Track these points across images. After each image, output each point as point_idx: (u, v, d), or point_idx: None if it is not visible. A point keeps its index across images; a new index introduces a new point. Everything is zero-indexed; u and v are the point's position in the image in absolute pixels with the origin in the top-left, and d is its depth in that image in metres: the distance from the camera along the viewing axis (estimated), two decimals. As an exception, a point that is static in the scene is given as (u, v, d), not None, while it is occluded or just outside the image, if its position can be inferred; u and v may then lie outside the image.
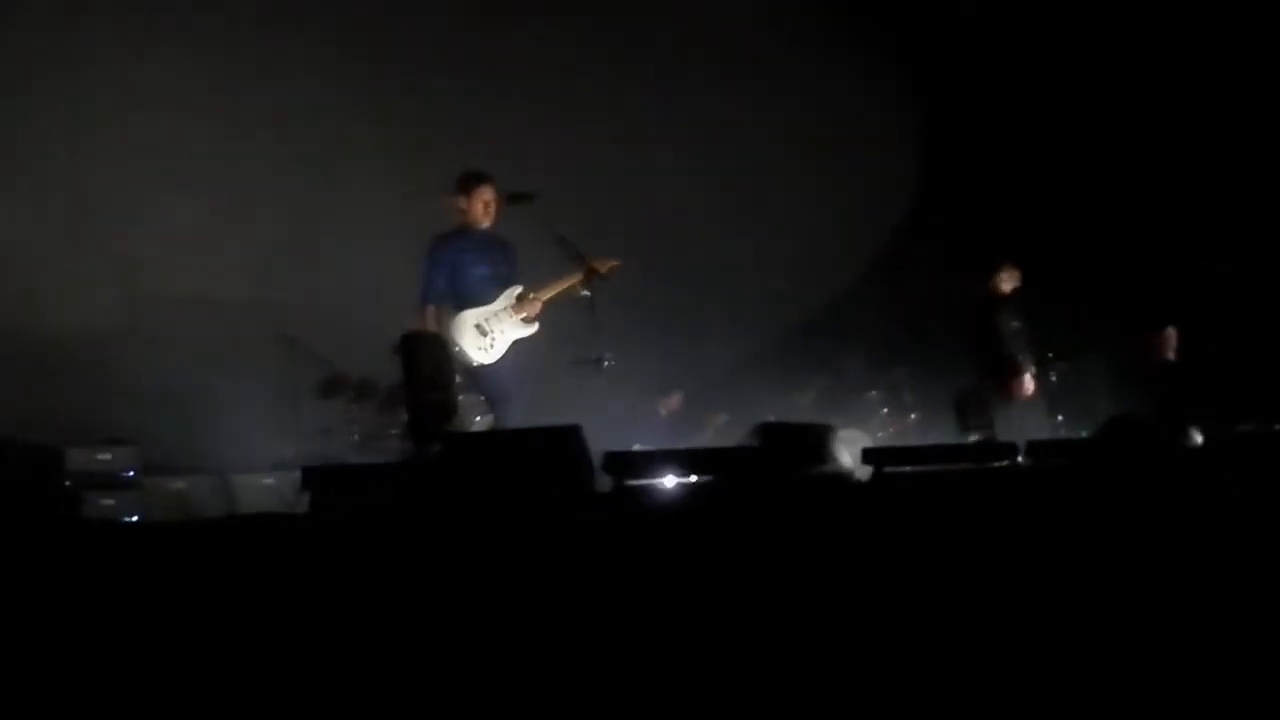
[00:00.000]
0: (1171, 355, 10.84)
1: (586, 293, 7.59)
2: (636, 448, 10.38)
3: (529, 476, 5.05)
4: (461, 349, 7.46)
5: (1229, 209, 11.78)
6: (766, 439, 5.85)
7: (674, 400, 11.62)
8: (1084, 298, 10.81)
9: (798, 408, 11.63)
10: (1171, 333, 10.80)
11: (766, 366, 12.38)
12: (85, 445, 8.54)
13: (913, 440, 11.06)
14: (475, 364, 7.53)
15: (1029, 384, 9.67)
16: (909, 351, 11.84)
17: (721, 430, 11.29)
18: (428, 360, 6.64)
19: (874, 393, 12.00)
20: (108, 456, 8.56)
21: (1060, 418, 10.02)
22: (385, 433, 9.53)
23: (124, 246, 10.39)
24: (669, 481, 5.45)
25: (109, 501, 8.29)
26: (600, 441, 5.38)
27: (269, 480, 8.99)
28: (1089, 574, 5.35)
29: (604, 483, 5.17)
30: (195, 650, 4.01)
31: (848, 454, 6.02)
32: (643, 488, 5.32)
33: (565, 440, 5.19)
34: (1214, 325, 10.90)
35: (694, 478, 5.49)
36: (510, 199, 7.67)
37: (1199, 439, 6.76)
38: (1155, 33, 12.00)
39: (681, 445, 10.89)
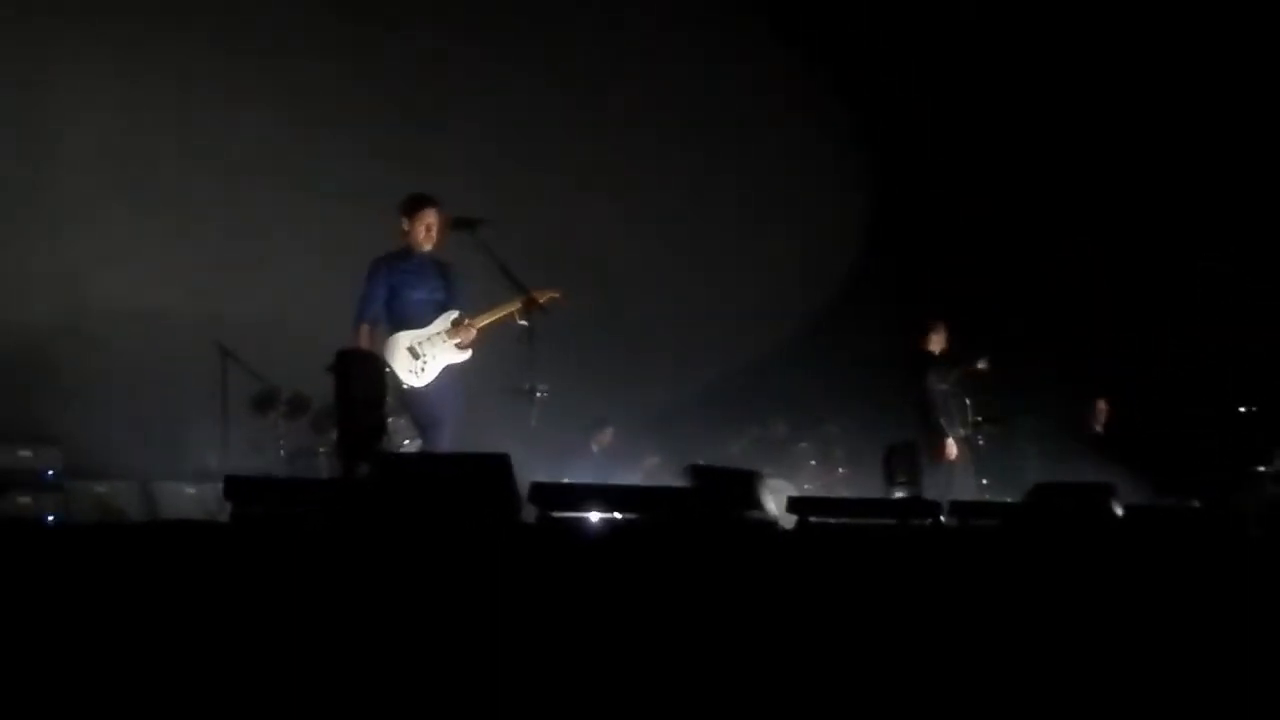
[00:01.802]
0: (1100, 427, 11.01)
1: (524, 322, 7.56)
2: (565, 481, 10.42)
3: (455, 502, 5.03)
4: (393, 371, 7.43)
5: (1169, 283, 11.98)
6: (695, 481, 5.86)
7: (606, 435, 11.61)
8: (1019, 363, 10.94)
9: (728, 454, 11.67)
10: (1102, 405, 10.96)
11: (700, 411, 12.43)
12: (7, 442, 8.42)
13: (840, 494, 11.11)
14: (406, 387, 7.50)
15: (952, 449, 9.77)
16: (843, 406, 11.92)
17: (653, 472, 11.30)
18: (362, 379, 6.60)
19: (803, 444, 12.07)
20: (29, 455, 8.45)
21: (985, 481, 10.13)
22: (314, 450, 9.47)
23: (64, 250, 10.32)
24: (595, 516, 5.45)
25: (26, 500, 8.18)
26: (529, 472, 5.38)
27: (191, 490, 8.91)
28: (1002, 633, 5.41)
29: (530, 513, 5.16)
30: (108, 653, 3.97)
31: (774, 502, 6.05)
32: (568, 521, 5.32)
33: (493, 468, 5.18)
34: (1147, 397, 11.08)
35: (620, 514, 5.50)
36: (456, 223, 7.65)
37: (1119, 511, 6.85)
38: (1102, 93, 12.21)
39: (611, 482, 10.94)
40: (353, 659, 4.33)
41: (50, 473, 8.50)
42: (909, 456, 8.25)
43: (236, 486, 4.92)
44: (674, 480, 9.61)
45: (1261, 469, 10.36)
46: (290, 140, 10.99)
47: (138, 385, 9.73)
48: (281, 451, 9.52)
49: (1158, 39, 12.04)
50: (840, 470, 11.81)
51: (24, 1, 10.30)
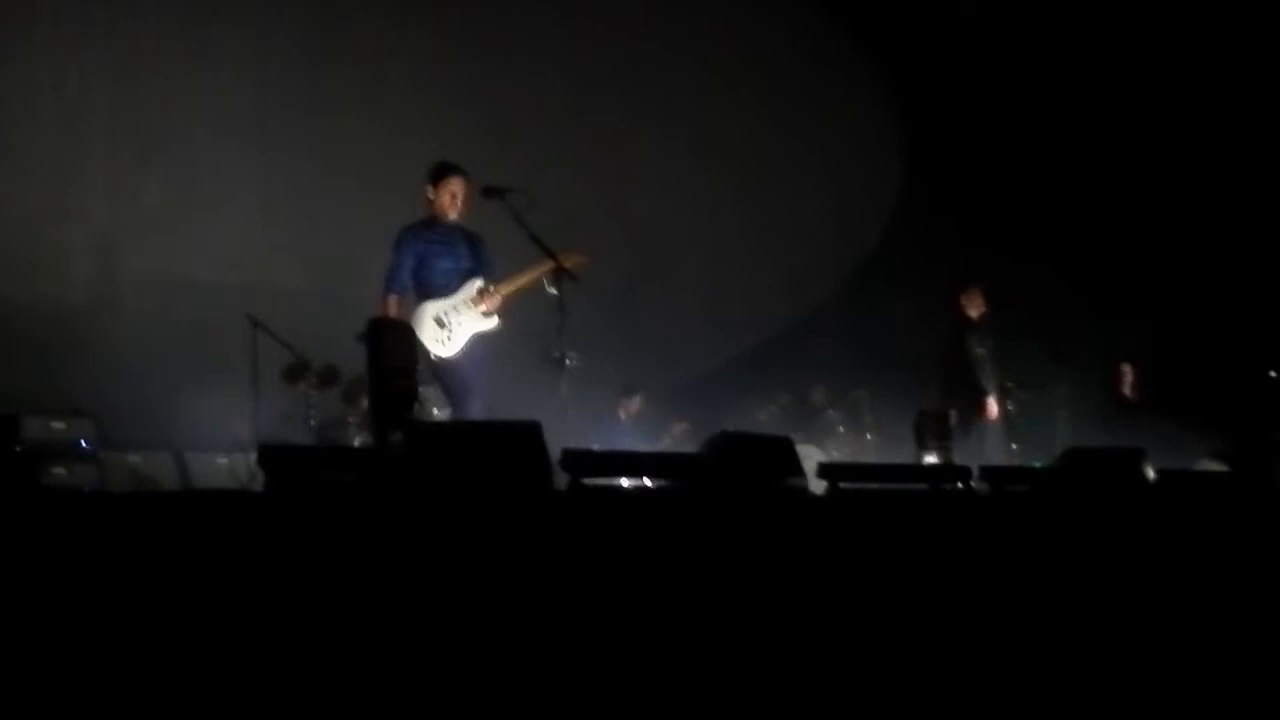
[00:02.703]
0: (1129, 391, 10.95)
1: (554, 290, 7.53)
2: (595, 449, 10.43)
3: (487, 470, 5.05)
4: (420, 340, 7.43)
5: (1198, 247, 11.91)
6: (726, 448, 5.86)
7: (635, 402, 11.59)
8: (1051, 328, 10.90)
9: (756, 421, 11.65)
10: (1128, 369, 10.90)
11: (728, 379, 12.42)
12: (41, 414, 8.47)
13: (869, 460, 11.10)
14: (435, 357, 7.50)
15: (993, 408, 9.75)
16: (873, 372, 11.89)
17: (680, 438, 11.29)
18: (393, 347, 6.61)
19: (832, 412, 12.04)
20: (63, 426, 8.49)
21: (1016, 446, 10.10)
22: (344, 421, 9.49)
23: (98, 222, 10.40)
24: (627, 483, 5.47)
25: (61, 471, 8.22)
26: (560, 440, 5.39)
27: (223, 460, 8.95)
28: (1034, 598, 5.42)
29: (561, 480, 5.17)
30: (148, 624, 4.00)
31: (804, 468, 6.05)
32: (600, 488, 5.33)
33: (525, 436, 5.19)
34: (1177, 361, 11.02)
35: (651, 481, 5.52)
36: (485, 191, 7.63)
37: (1153, 475, 6.83)
38: (1134, 65, 12.12)
39: (640, 449, 10.95)
40: (387, 627, 4.36)
41: (84, 443, 8.52)
42: (940, 422, 8.23)
43: (271, 455, 4.94)
44: (702, 445, 9.67)
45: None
46: (321, 110, 11.01)
47: (170, 356, 9.78)
48: (312, 422, 9.54)
49: (1136, 71, 12.04)
50: (869, 436, 11.77)
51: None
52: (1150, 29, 12.13)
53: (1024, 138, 12.55)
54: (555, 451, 5.18)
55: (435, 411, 8.28)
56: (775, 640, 4.87)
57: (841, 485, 5.82)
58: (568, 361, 7.38)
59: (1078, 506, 6.24)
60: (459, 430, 6.23)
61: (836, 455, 11.37)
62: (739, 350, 12.92)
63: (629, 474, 5.46)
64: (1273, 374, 10.71)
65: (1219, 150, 11.97)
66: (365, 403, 8.61)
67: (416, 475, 4.96)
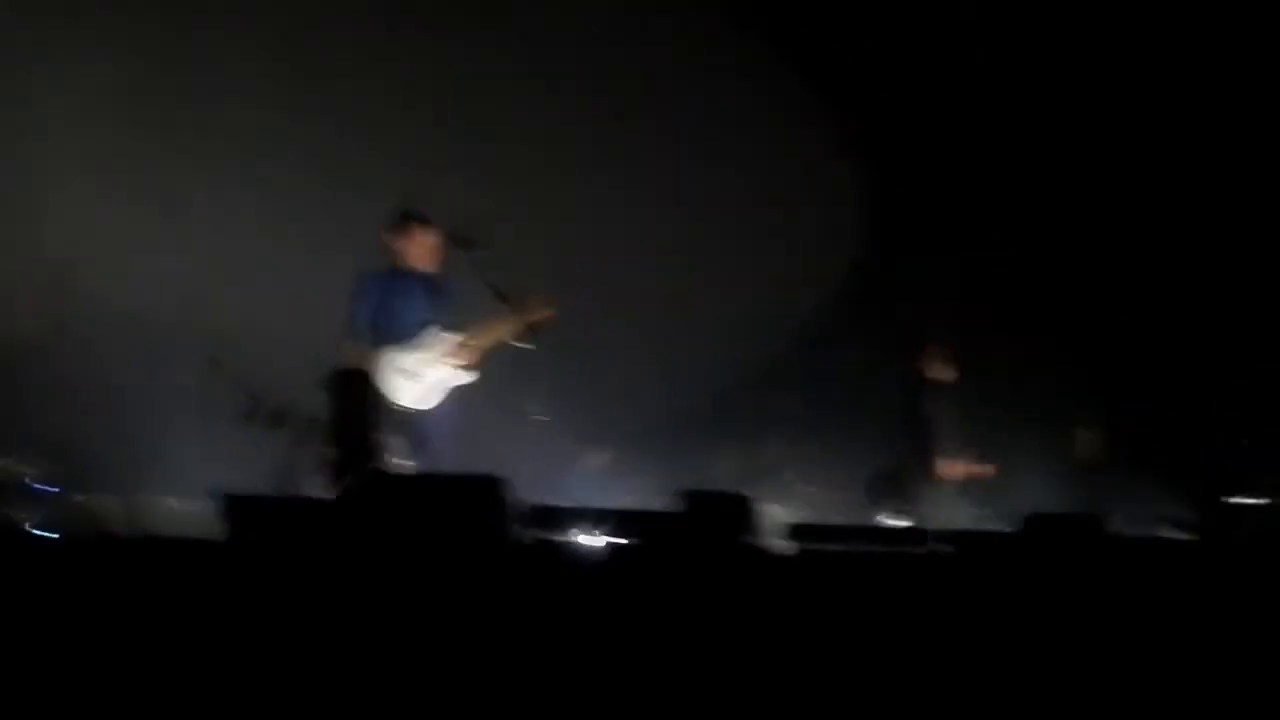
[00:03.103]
0: (1091, 455, 10.96)
1: (522, 345, 7.49)
2: (558, 500, 10.36)
3: (450, 523, 5.02)
4: (387, 392, 7.38)
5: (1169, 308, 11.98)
6: (688, 504, 5.85)
7: (596, 454, 11.50)
8: (1015, 387, 10.93)
9: (713, 475, 11.62)
10: (1090, 431, 10.92)
11: (683, 430, 12.37)
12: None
13: (827, 514, 11.08)
14: (400, 407, 7.45)
15: (947, 470, 9.75)
16: (827, 425, 11.88)
17: (604, 468, 11.21)
18: (357, 398, 6.57)
19: (788, 466, 12.00)
20: (9, 462, 8.39)
21: (978, 509, 10.10)
22: (302, 466, 9.39)
23: (55, 253, 10.25)
24: (590, 540, 5.43)
25: (8, 510, 8.11)
26: (522, 494, 5.35)
27: (175, 503, 8.84)
28: (996, 661, 5.42)
29: (525, 535, 5.15)
30: (103, 669, 3.96)
31: (767, 528, 6.04)
32: (563, 544, 5.31)
33: (488, 489, 5.17)
34: (1142, 425, 11.06)
35: (613, 538, 5.48)
36: (452, 239, 7.60)
37: (1111, 541, 6.84)
38: (1098, 119, 12.23)
39: (604, 500, 10.89)
40: (346, 677, 4.33)
41: (33, 482, 8.41)
42: (898, 482, 8.24)
43: (232, 504, 4.89)
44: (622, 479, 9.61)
45: (1250, 501, 10.38)
46: (289, 148, 10.93)
47: (121, 394, 9.67)
48: (271, 467, 9.43)
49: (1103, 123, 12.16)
50: (820, 491, 11.72)
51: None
52: (1111, 87, 12.24)
53: (991, 187, 12.60)
54: (518, 506, 5.17)
55: (399, 462, 8.22)
56: (737, 700, 4.85)
57: (805, 546, 5.81)
58: (537, 415, 7.36)
59: (1038, 571, 6.25)
60: (422, 482, 6.18)
61: (795, 512, 11.34)
62: (693, 400, 12.87)
63: (591, 530, 5.41)
64: (1245, 442, 10.75)
65: (1185, 214, 12.06)
66: (323, 449, 8.52)
67: (377, 528, 4.93)
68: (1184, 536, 8.56)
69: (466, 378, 7.58)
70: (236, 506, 4.86)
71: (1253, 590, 6.55)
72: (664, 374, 12.32)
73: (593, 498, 10.25)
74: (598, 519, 5.60)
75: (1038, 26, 12.07)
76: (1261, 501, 9.92)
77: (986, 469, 10.01)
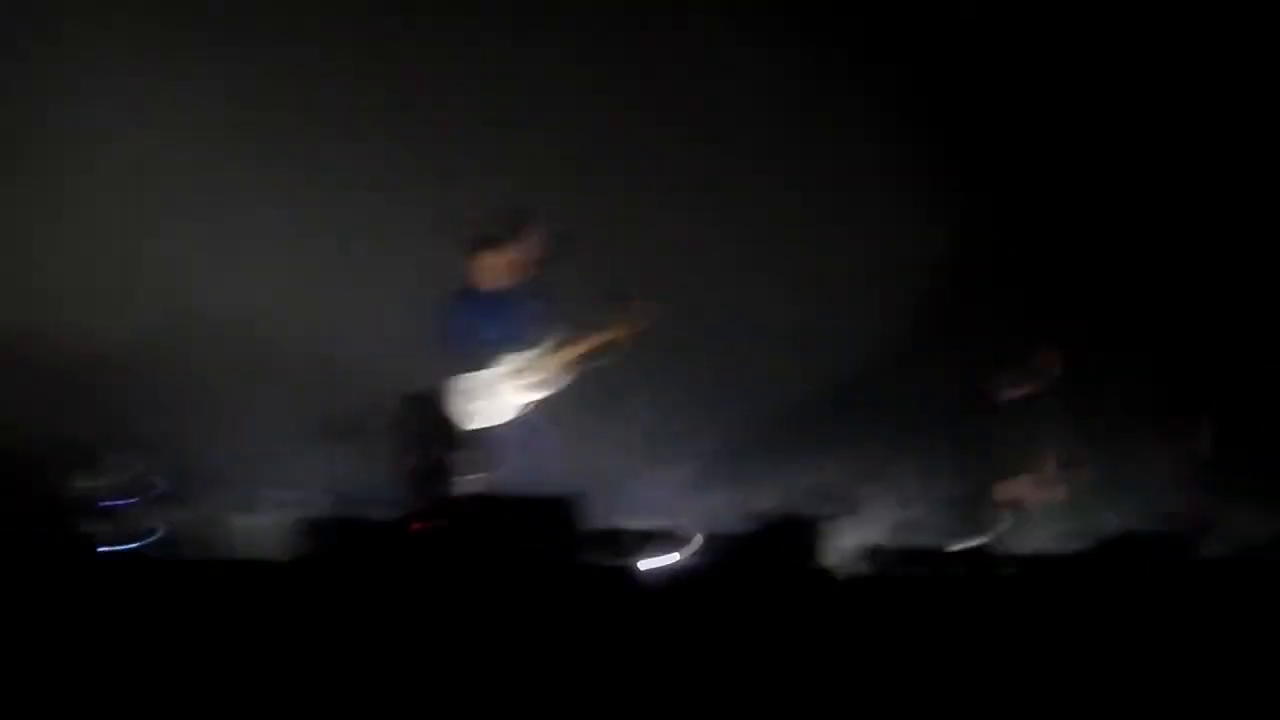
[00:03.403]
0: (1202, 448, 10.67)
1: (604, 361, 7.51)
2: (634, 518, 10.36)
3: (525, 546, 5.04)
4: (467, 411, 7.43)
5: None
6: (761, 527, 5.84)
7: (675, 470, 11.47)
8: (1104, 406, 10.74)
9: (799, 490, 11.55)
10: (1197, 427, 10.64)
11: (772, 443, 12.30)
12: (84, 464, 8.50)
13: (909, 537, 10.97)
14: (480, 426, 7.50)
15: (1026, 492, 9.62)
16: (917, 443, 11.76)
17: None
18: (429, 422, 6.62)
19: (869, 486, 11.88)
20: (107, 479, 8.53)
21: (1070, 526, 9.93)
22: (388, 484, 9.46)
23: (154, 265, 10.37)
24: (663, 562, 5.44)
25: (104, 525, 8.24)
26: (598, 512, 5.36)
27: (267, 520, 8.94)
28: (1079, 686, 5.35)
29: (595, 558, 5.16)
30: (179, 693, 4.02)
31: (842, 548, 6.02)
32: (634, 568, 5.32)
33: (563, 511, 5.18)
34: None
35: (689, 560, 5.49)
36: (530, 259, 7.64)
37: (1199, 562, 6.73)
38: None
39: (680, 518, 10.86)
40: (415, 702, 4.35)
41: (129, 497, 8.55)
42: (983, 503, 8.14)
43: (311, 527, 4.96)
44: (741, 521, 9.59)
45: None
46: (355, 161, 11.00)
47: (215, 406, 9.80)
48: (356, 484, 9.53)
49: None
50: (908, 512, 11.61)
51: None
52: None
53: (1089, 199, 12.43)
54: (592, 525, 5.18)
55: (474, 478, 8.26)
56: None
57: (879, 569, 5.77)
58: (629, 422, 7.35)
59: (1122, 593, 6.16)
60: (495, 505, 6.21)
61: (878, 530, 11.25)
62: (775, 414, 12.78)
63: (667, 553, 5.43)
64: None
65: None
66: (401, 468, 8.58)
67: (450, 550, 4.96)
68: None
69: (539, 394, 7.62)
70: (313, 529, 4.91)
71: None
72: (741, 390, 12.25)
73: (668, 516, 10.27)
74: (669, 542, 5.61)
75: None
76: None
77: (1059, 488, 9.87)
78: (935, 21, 12.24)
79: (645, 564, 5.39)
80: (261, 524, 8.79)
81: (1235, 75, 11.80)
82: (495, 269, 7.74)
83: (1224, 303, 11.75)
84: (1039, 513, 9.71)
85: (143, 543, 8.26)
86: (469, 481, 7.99)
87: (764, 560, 5.57)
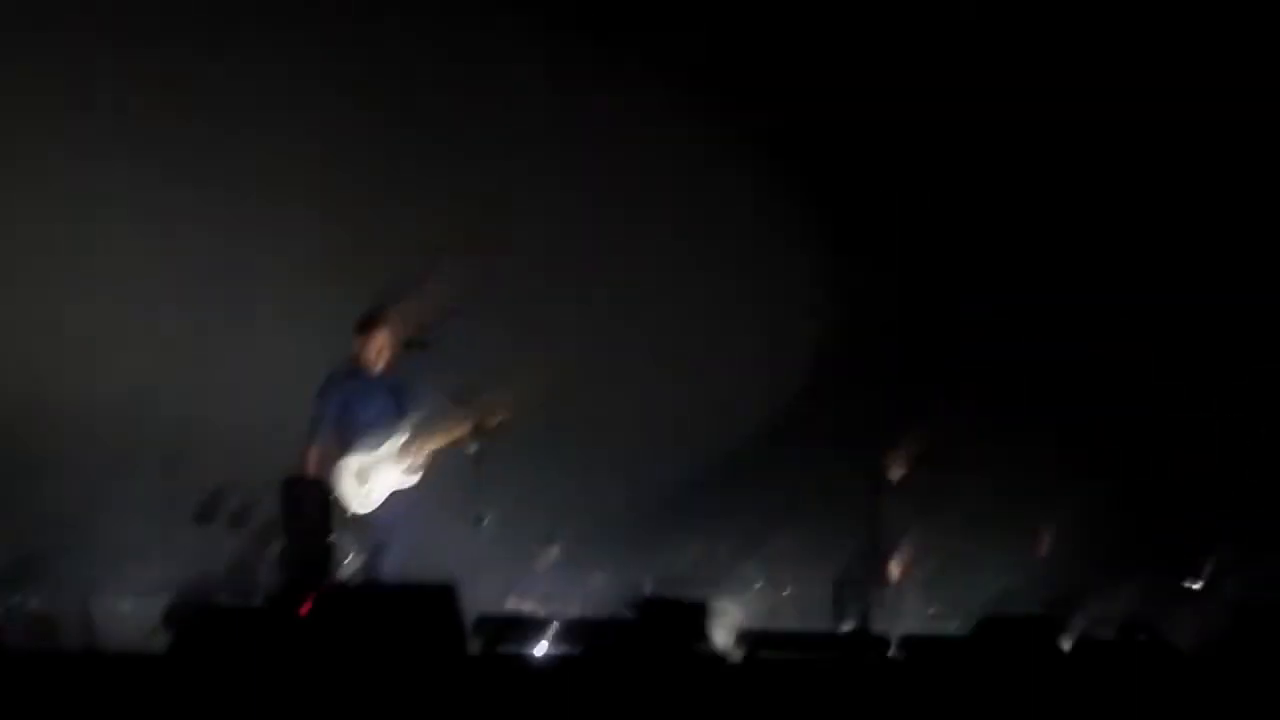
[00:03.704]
0: (1045, 549, 10.97)
1: (473, 448, 7.50)
2: (512, 600, 10.28)
3: (400, 634, 4.97)
4: (340, 495, 7.36)
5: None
6: (643, 612, 5.83)
7: (551, 547, 11.43)
8: (974, 488, 10.92)
9: (676, 570, 11.56)
10: (1057, 523, 10.91)
11: (650, 523, 12.30)
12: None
13: (787, 615, 11.03)
14: (353, 511, 7.42)
15: (896, 572, 9.73)
16: (793, 522, 11.83)
17: (598, 591, 11.13)
18: (307, 507, 6.54)
19: (751, 563, 11.94)
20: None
21: (933, 609, 10.07)
22: (258, 565, 9.31)
23: (12, 342, 10.15)
24: (541, 649, 5.40)
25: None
26: (475, 597, 5.31)
27: (130, 605, 8.73)
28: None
29: (475, 646, 5.10)
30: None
31: (720, 635, 6.02)
32: (515, 655, 5.26)
33: (439, 599, 5.12)
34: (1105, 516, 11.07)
35: (566, 647, 5.45)
36: (409, 344, 7.63)
37: (1069, 644, 6.85)
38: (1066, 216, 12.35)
39: (560, 596, 10.81)
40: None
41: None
42: (858, 588, 8.22)
43: (177, 614, 4.84)
44: (620, 594, 9.59)
45: (1194, 585, 10.43)
46: (253, 242, 10.88)
47: (77, 487, 9.56)
48: (226, 565, 9.35)
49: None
50: (786, 591, 11.67)
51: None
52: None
53: (961, 279, 12.68)
54: (471, 613, 5.12)
55: (348, 558, 8.17)
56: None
57: (760, 654, 5.78)
58: (483, 522, 7.34)
59: (993, 676, 6.24)
60: (370, 594, 6.13)
61: (754, 610, 11.29)
62: (658, 494, 12.80)
63: (543, 639, 5.38)
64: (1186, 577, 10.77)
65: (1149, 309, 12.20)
66: (277, 548, 8.46)
67: (327, 639, 4.87)
68: (1141, 636, 8.56)
69: (411, 480, 7.57)
70: (179, 617, 4.80)
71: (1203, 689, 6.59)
72: (619, 472, 12.27)
73: (548, 600, 10.22)
74: (552, 629, 5.57)
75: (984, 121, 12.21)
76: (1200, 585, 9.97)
77: (916, 567, 10.01)
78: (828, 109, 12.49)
79: (524, 650, 5.34)
80: (126, 610, 8.59)
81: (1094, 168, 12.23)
82: (380, 349, 7.69)
83: (1094, 391, 12.06)
84: (910, 593, 9.83)
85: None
86: (346, 566, 7.92)
87: (643, 644, 5.55)
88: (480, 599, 5.75)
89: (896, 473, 10.17)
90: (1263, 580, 10.27)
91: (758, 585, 11.72)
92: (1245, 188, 11.95)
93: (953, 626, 9.24)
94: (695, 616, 5.96)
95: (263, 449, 8.20)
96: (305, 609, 5.30)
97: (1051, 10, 11.93)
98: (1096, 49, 11.78)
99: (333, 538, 6.89)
